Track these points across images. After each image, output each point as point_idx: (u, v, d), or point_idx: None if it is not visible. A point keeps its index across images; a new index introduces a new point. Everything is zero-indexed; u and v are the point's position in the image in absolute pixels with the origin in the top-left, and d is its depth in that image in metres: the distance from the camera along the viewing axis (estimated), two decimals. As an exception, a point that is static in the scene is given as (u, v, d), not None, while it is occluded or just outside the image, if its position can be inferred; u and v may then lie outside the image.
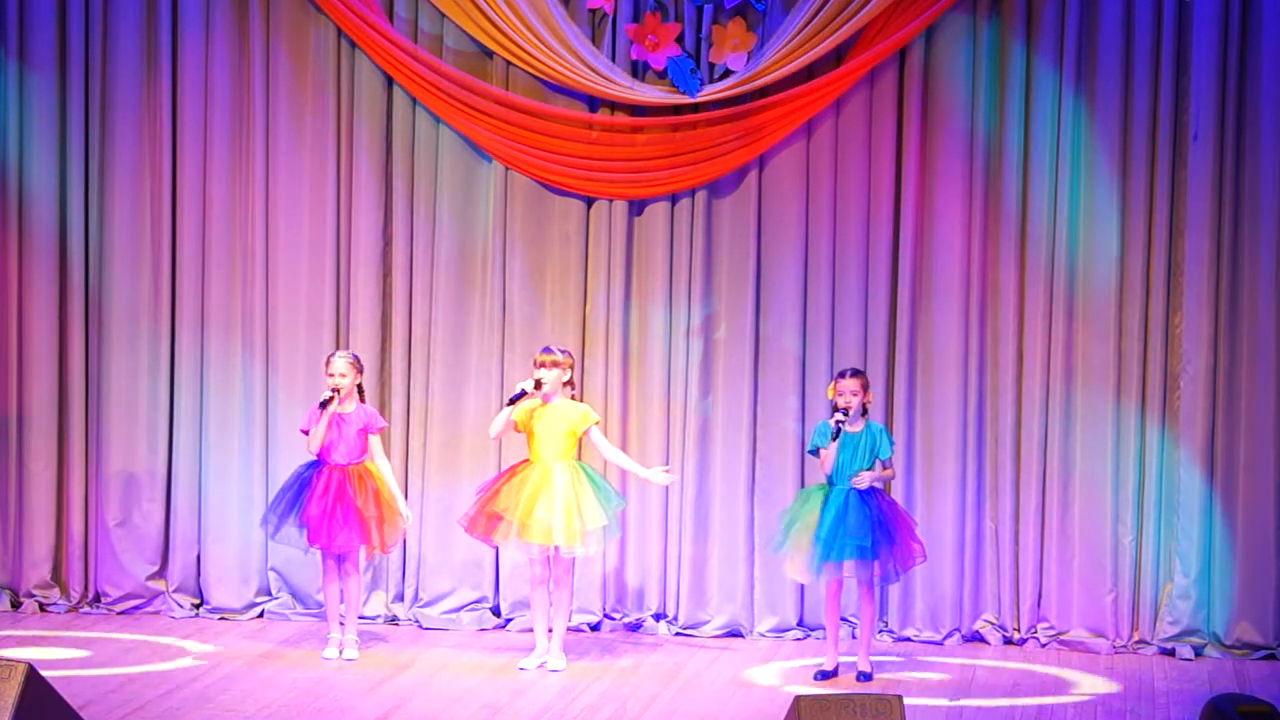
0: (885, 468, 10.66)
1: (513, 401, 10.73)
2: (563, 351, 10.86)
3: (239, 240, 11.83)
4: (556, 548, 10.67)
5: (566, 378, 10.83)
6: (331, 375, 10.88)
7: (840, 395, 10.53)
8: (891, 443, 10.71)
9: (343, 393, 10.85)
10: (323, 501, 10.78)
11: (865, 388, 10.59)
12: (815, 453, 10.64)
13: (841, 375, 10.64)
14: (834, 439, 10.44)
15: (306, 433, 10.90)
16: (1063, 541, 11.42)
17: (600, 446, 10.89)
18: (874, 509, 10.50)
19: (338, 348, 11.56)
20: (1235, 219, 11.25)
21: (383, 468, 10.94)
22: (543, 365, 10.77)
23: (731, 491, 11.63)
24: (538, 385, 10.73)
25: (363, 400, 11.00)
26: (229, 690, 10.18)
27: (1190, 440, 11.28)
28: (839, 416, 10.45)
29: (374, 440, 10.93)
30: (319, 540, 10.80)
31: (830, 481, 10.56)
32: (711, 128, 11.46)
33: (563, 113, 11.57)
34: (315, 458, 10.88)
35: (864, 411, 10.59)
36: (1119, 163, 11.29)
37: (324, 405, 10.80)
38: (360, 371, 10.99)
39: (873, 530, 10.42)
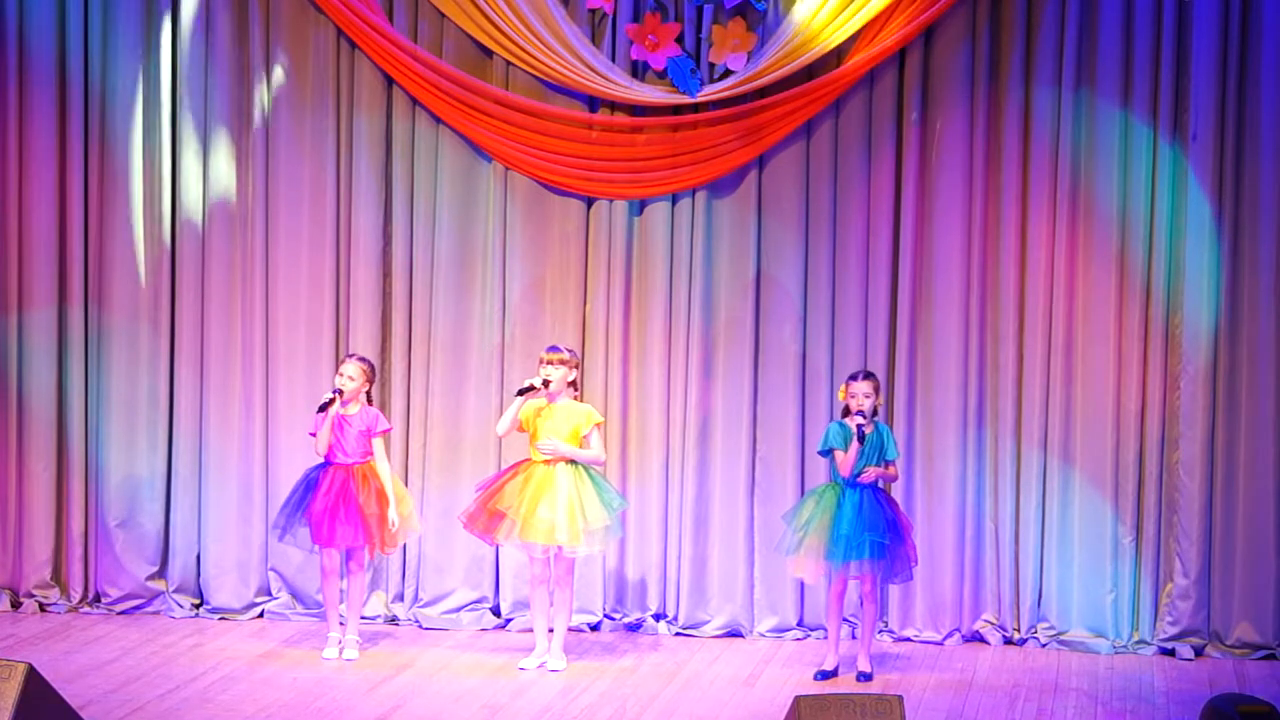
0: (889, 467, 10.67)
1: (520, 394, 10.72)
2: (569, 351, 10.86)
3: (239, 240, 11.82)
4: (558, 547, 10.67)
5: (572, 377, 10.83)
6: (340, 375, 10.90)
7: (853, 398, 10.54)
8: (896, 444, 10.74)
9: (345, 395, 10.86)
10: (326, 499, 10.80)
11: (877, 390, 10.62)
12: (827, 454, 10.64)
13: (854, 378, 10.64)
14: (859, 441, 10.43)
15: (314, 435, 10.91)
16: (1063, 541, 11.42)
17: (590, 445, 10.83)
18: (886, 508, 10.55)
19: (338, 349, 11.61)
20: (1235, 219, 11.25)
21: (383, 471, 10.94)
22: (549, 364, 10.77)
23: (731, 491, 11.63)
24: (545, 384, 10.73)
25: (370, 403, 11.01)
26: (229, 690, 10.18)
27: (1190, 440, 11.28)
28: (859, 420, 10.44)
29: (377, 443, 10.93)
30: (322, 538, 10.81)
31: (843, 481, 10.56)
32: (711, 128, 11.47)
33: (563, 113, 11.57)
34: (322, 460, 10.90)
35: (874, 413, 10.61)
36: (1119, 162, 11.29)
37: (322, 409, 10.81)
38: (370, 380, 11.00)
39: (888, 529, 10.46)
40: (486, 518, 10.77)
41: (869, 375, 10.68)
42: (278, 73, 11.73)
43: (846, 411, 10.63)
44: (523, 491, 10.67)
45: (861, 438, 10.45)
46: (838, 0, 11.25)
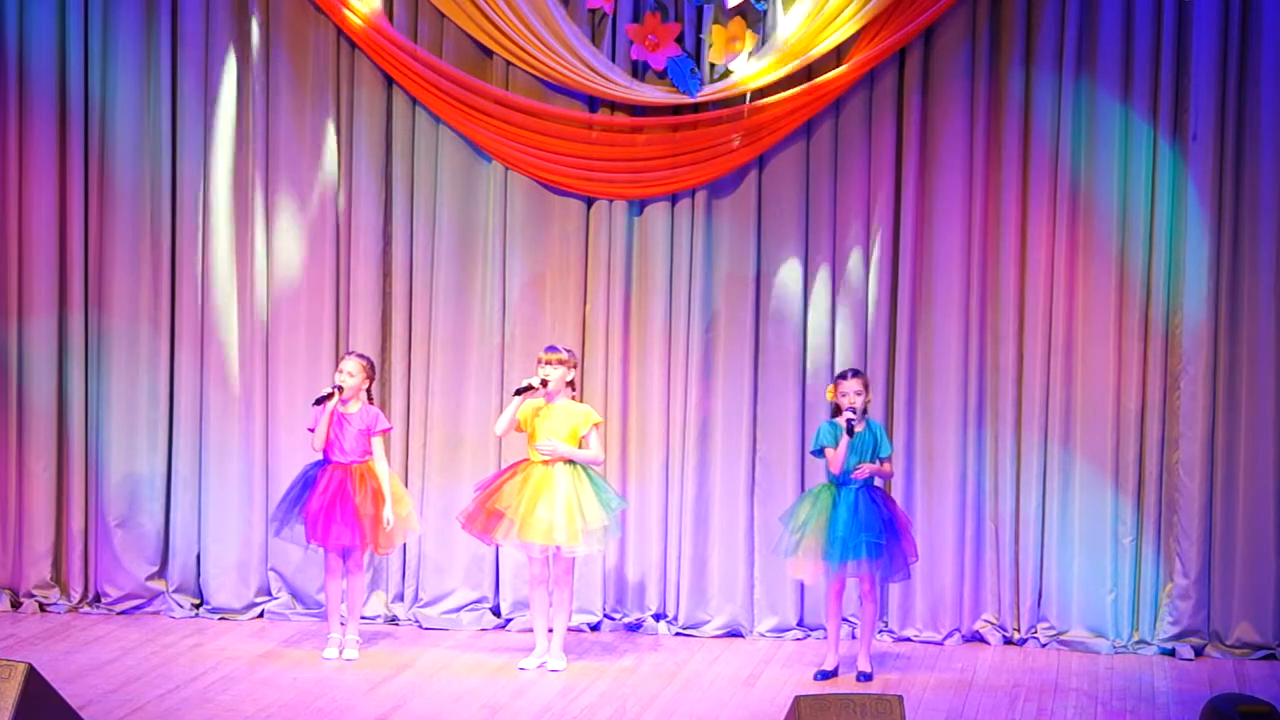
0: (884, 463, 10.67)
1: (518, 393, 10.72)
2: (567, 351, 10.87)
3: (239, 240, 11.82)
4: (557, 547, 10.67)
5: (570, 377, 10.83)
6: (340, 372, 10.91)
7: (844, 396, 10.55)
8: (890, 440, 10.74)
9: (346, 392, 10.86)
10: (323, 498, 10.80)
11: (866, 387, 10.62)
12: (819, 453, 10.66)
13: (843, 376, 10.66)
14: (848, 435, 10.44)
15: (313, 430, 10.91)
16: (1063, 541, 11.42)
17: (589, 445, 10.83)
18: (882, 507, 10.54)
19: (338, 349, 11.62)
20: (1235, 219, 11.26)
21: (381, 471, 10.92)
22: (547, 364, 10.78)
23: (731, 491, 11.63)
24: (543, 384, 10.73)
25: (370, 403, 11.01)
26: (229, 690, 10.18)
27: (1190, 440, 11.28)
28: (850, 415, 10.46)
29: (376, 442, 10.92)
30: (317, 536, 10.81)
31: (837, 481, 10.56)
32: (711, 128, 11.47)
33: (563, 113, 11.57)
34: (321, 457, 10.90)
35: (864, 411, 10.62)
36: (1118, 162, 11.29)
37: (319, 402, 10.82)
38: (370, 377, 11.00)
39: (884, 528, 10.46)
40: (485, 517, 10.77)
41: (857, 373, 10.69)
42: (278, 73, 11.73)
43: (837, 410, 10.64)
44: (521, 491, 10.67)
45: (851, 432, 10.45)
46: (836, 1, 11.26)
